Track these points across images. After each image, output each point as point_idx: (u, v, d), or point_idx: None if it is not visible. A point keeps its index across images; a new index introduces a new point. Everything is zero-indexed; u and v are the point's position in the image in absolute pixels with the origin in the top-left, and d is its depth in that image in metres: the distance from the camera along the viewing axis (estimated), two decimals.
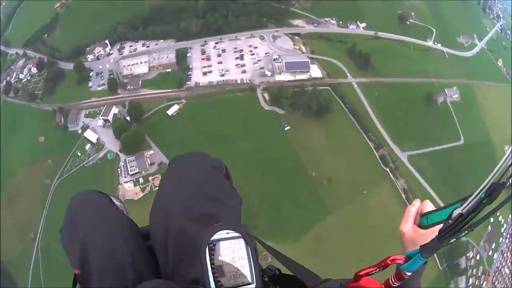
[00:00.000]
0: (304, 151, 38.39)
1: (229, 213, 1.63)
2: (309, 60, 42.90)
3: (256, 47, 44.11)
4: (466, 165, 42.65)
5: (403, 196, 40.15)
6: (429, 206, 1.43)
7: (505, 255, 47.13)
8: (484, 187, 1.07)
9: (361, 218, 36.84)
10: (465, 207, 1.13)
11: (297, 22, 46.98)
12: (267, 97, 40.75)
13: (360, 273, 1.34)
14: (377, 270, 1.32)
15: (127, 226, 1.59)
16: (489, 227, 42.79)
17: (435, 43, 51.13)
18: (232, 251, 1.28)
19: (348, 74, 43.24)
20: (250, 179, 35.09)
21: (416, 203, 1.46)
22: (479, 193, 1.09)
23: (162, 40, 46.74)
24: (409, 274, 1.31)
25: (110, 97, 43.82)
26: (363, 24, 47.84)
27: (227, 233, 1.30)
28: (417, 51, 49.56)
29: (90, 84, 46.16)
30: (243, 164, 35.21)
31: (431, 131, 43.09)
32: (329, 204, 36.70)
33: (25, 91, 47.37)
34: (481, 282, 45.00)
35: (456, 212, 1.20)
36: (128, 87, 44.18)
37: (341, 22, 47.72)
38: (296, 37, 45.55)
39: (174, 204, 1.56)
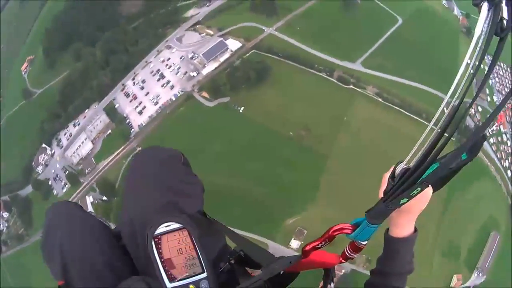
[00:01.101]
0: (269, 119, 36.90)
1: (190, 201, 1.62)
2: (221, 39, 40.98)
3: (169, 59, 42.17)
4: (417, 38, 41.50)
5: (380, 99, 38.94)
6: (401, 165, 1.21)
7: (502, 92, 46.24)
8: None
9: (357, 144, 35.61)
10: (408, 161, 1.05)
11: (190, 12, 44.86)
12: (207, 95, 39.02)
13: (307, 248, 1.28)
14: (323, 243, 1.24)
15: (100, 230, 1.58)
16: (475, 80, 41.41)
17: None
18: (177, 242, 1.29)
19: (263, 28, 41.35)
20: (238, 172, 33.94)
21: (392, 168, 1.27)
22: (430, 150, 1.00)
23: (86, 110, 44.85)
24: (364, 243, 1.22)
25: (77, 192, 42.43)
26: None
27: (169, 225, 1.31)
28: None
29: (55, 192, 44.62)
30: (226, 164, 34.14)
31: (367, 29, 41.62)
32: (321, 149, 35.43)
33: (12, 238, 45.79)
34: (498, 126, 44.39)
35: (399, 169, 1.10)
36: (86, 171, 42.54)
37: None
38: (198, 26, 43.53)
39: (137, 200, 1.55)
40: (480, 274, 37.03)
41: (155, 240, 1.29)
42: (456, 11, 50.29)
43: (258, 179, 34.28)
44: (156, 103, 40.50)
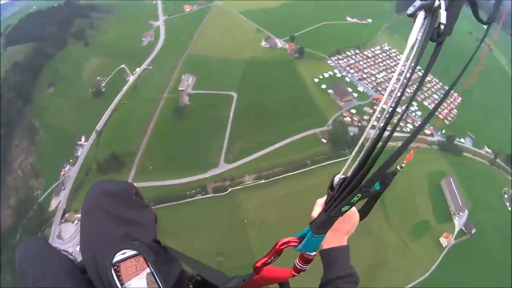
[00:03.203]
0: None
1: (143, 231, 1.64)
2: None
3: None
4: (255, 102, 40.87)
5: (262, 181, 38.96)
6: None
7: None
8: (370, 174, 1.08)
9: (269, 231, 34.63)
10: (345, 172, 1.10)
11: (52, 204, 42.86)
12: None
13: (257, 265, 1.31)
14: (272, 258, 1.28)
15: (68, 266, 1.63)
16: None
17: None
18: (135, 268, 1.33)
19: None
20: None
21: (325, 196, 1.43)
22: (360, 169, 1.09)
23: None
24: (312, 254, 1.27)
25: None
26: None
27: (124, 252, 1.37)
28: None
29: None
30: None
31: (208, 131, 40.99)
32: (245, 263, 35.96)
33: None
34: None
35: (337, 178, 1.16)
36: None
37: None
38: (67, 215, 42.13)
39: (94, 237, 1.60)
40: (460, 213, 39.16)
41: (114, 268, 1.34)
42: (280, 43, 51.66)
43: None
44: None
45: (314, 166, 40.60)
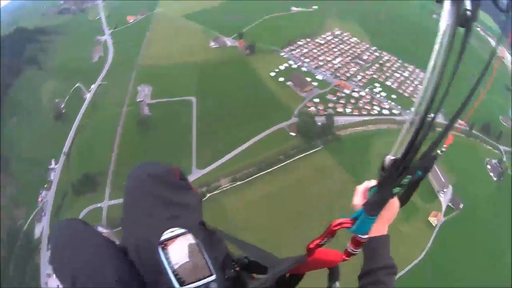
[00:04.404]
0: None
1: (189, 213, 1.67)
2: None
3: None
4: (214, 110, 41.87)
5: (238, 182, 39.23)
6: (373, 182, 1.45)
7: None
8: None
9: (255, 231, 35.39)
10: (395, 153, 1.18)
11: (36, 232, 44.09)
12: None
13: (310, 246, 1.38)
14: (326, 239, 1.34)
15: (107, 246, 1.55)
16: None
17: None
18: (184, 247, 1.32)
19: (99, 205, 41.18)
20: None
21: (365, 183, 1.50)
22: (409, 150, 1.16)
23: None
24: (364, 237, 1.32)
25: None
26: None
27: (173, 231, 1.37)
28: None
29: None
30: None
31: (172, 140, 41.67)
32: None
33: None
34: None
35: (387, 160, 1.21)
36: None
37: None
38: None
39: (137, 217, 1.61)
40: (445, 190, 39.28)
41: (162, 246, 1.30)
42: (229, 41, 51.43)
43: None
44: None
45: (289, 161, 40.26)
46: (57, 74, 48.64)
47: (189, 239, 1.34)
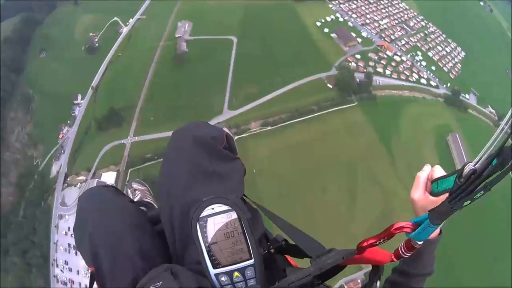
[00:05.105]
0: None
1: (232, 186, 1.50)
2: (96, 179, 38.02)
3: (69, 227, 39.38)
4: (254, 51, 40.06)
5: (268, 128, 37.03)
6: (439, 171, 1.29)
7: None
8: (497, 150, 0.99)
9: (278, 181, 34.15)
10: (477, 163, 1.03)
11: (53, 170, 41.07)
12: None
13: (363, 245, 1.23)
14: (381, 240, 1.21)
15: (133, 216, 1.52)
16: None
17: None
18: (225, 226, 1.21)
19: (122, 141, 37.97)
20: None
21: (426, 168, 1.32)
22: (491, 151, 1.01)
23: None
24: (420, 243, 1.20)
25: None
26: None
27: (214, 208, 1.23)
28: None
29: None
30: None
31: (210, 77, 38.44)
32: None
33: None
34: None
35: (467, 168, 1.06)
36: None
37: None
38: (69, 179, 40.17)
39: (173, 183, 1.46)
40: None
41: (200, 223, 1.20)
42: None
43: None
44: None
45: (322, 112, 39.10)
46: (94, 8, 47.06)
47: (232, 216, 1.23)
